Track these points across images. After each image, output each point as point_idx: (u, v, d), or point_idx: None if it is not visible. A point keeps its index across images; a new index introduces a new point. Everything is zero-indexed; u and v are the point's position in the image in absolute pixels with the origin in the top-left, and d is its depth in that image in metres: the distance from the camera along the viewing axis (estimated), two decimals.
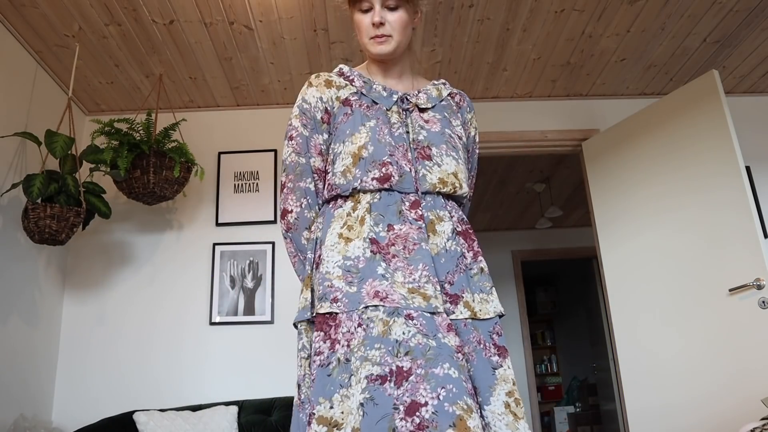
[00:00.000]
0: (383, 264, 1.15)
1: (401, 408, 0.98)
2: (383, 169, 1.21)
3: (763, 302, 2.35)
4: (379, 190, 1.23)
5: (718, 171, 2.61)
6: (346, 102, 1.32)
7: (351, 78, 1.36)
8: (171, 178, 2.76)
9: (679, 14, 2.80)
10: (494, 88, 3.41)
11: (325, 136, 1.33)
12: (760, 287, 2.37)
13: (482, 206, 5.66)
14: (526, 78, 3.31)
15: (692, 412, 2.59)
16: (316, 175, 1.33)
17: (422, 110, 1.33)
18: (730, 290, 2.47)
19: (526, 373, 6.05)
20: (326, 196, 1.30)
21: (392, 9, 1.29)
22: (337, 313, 1.12)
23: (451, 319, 1.14)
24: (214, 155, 3.32)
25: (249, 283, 3.10)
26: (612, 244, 3.13)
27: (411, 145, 1.26)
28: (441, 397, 0.98)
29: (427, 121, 1.31)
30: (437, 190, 1.24)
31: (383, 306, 1.08)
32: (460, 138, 1.33)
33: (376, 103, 1.32)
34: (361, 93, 1.34)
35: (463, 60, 3.10)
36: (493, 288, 1.25)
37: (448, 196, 1.28)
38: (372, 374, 1.01)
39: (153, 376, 2.95)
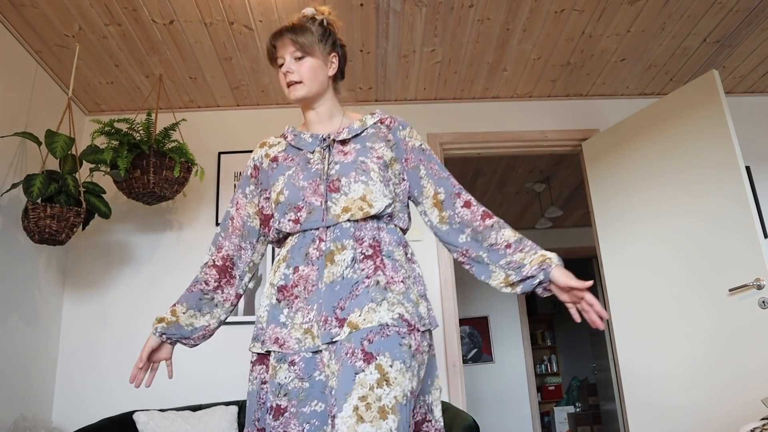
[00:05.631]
0: (286, 310, 1.33)
1: None
2: (296, 212, 1.38)
3: (763, 302, 2.35)
4: (297, 233, 1.39)
5: (718, 171, 2.61)
6: (274, 159, 1.51)
7: (285, 135, 1.54)
8: (171, 178, 2.76)
9: (679, 14, 2.80)
10: (494, 88, 3.41)
11: (251, 187, 1.54)
12: (760, 287, 2.37)
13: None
14: (526, 78, 3.31)
15: (692, 412, 2.59)
16: (228, 221, 1.55)
17: (344, 143, 1.45)
18: (730, 290, 2.47)
19: (526, 373, 6.05)
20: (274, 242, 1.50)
21: (299, 59, 1.46)
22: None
23: (335, 341, 1.25)
24: (214, 155, 3.32)
25: (249, 283, 3.10)
26: (612, 244, 3.13)
27: (324, 179, 1.39)
28: (305, 430, 1.24)
29: (345, 154, 1.43)
30: (342, 219, 1.35)
31: (278, 352, 1.30)
32: (379, 158, 1.42)
33: (301, 150, 1.47)
34: (290, 145, 1.51)
35: (463, 60, 3.10)
36: (385, 301, 1.26)
37: (365, 219, 1.36)
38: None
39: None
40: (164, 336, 1.43)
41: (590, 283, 1.25)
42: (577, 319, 1.33)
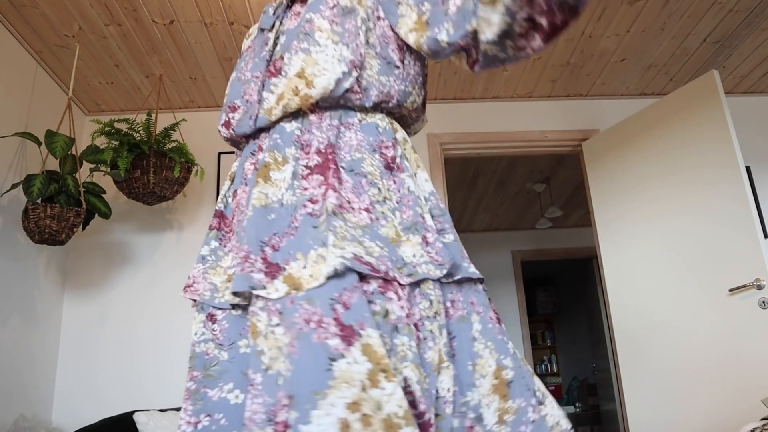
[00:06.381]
0: (216, 242, 0.94)
1: None
2: (229, 113, 1.00)
3: (763, 302, 2.35)
4: (242, 144, 1.01)
5: (718, 171, 2.61)
6: (242, 55, 1.14)
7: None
8: (171, 178, 2.76)
9: (679, 14, 2.80)
10: (494, 88, 3.41)
11: None
12: (760, 287, 2.37)
13: (482, 206, 5.66)
14: (526, 78, 3.31)
15: (692, 413, 2.59)
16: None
17: (303, 3, 1.04)
18: (730, 290, 2.47)
19: None
20: None
21: None
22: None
23: (259, 295, 0.79)
24: (214, 155, 3.32)
25: None
26: (612, 245, 3.13)
27: (266, 61, 0.99)
28: (199, 427, 0.76)
29: (298, 16, 1.02)
30: (275, 116, 0.92)
31: (191, 299, 0.88)
32: (333, 7, 0.97)
33: (263, 30, 1.07)
34: (259, 29, 1.11)
35: None
36: (332, 234, 0.79)
37: (318, 112, 0.93)
38: None
39: (153, 375, 2.95)
40: None
41: None
42: None
